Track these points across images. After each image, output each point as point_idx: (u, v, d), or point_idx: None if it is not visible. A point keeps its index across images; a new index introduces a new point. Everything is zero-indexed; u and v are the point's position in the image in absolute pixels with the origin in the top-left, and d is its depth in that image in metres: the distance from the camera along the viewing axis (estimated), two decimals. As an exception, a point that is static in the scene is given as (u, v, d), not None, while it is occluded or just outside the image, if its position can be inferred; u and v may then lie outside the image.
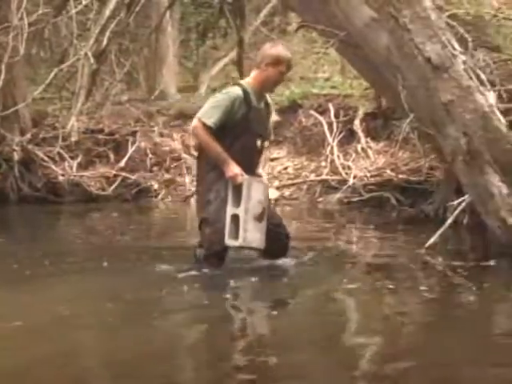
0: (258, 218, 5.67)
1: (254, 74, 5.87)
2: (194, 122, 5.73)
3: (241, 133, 5.73)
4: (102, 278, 5.82)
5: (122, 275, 5.88)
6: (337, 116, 12.39)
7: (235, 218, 5.62)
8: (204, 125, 5.64)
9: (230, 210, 5.64)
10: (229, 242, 5.64)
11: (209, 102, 5.78)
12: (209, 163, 5.78)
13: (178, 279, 5.54)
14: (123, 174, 12.54)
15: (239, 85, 5.87)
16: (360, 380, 3.51)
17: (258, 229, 5.67)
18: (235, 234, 5.61)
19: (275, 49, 5.85)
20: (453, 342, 4.02)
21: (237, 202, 5.63)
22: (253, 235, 5.65)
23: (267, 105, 6.01)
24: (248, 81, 5.89)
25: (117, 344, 4.12)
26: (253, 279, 5.63)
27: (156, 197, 12.38)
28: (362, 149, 11.77)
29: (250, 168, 5.81)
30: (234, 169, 5.64)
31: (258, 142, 5.87)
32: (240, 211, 5.60)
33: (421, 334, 4.30)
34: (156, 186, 12.49)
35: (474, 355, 3.83)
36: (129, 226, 9.72)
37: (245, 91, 5.74)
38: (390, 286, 5.39)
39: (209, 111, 5.70)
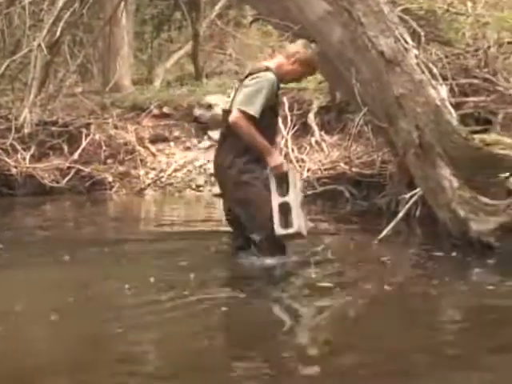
0: (301, 206, 5.68)
1: (279, 61, 5.88)
2: (234, 114, 5.55)
3: (272, 116, 5.73)
4: (63, 271, 5.72)
5: (83, 268, 5.79)
6: (291, 109, 12.42)
7: (283, 206, 5.57)
8: (244, 113, 5.51)
9: (276, 199, 5.58)
10: (281, 231, 5.55)
11: (248, 90, 5.61)
12: (233, 150, 5.68)
13: (142, 273, 5.48)
14: (77, 166, 12.45)
15: (270, 70, 5.73)
16: (311, 374, 3.52)
17: (302, 216, 5.68)
18: (286, 223, 5.55)
19: (312, 52, 5.92)
20: (406, 334, 4.06)
21: (281, 190, 5.61)
22: (302, 222, 5.63)
23: None
24: (273, 66, 5.82)
25: (66, 343, 3.97)
26: (218, 273, 5.60)
27: (110, 189, 12.31)
28: (316, 142, 11.82)
29: None
30: (278, 158, 5.67)
31: (278, 126, 5.99)
32: (290, 199, 5.58)
33: (374, 327, 4.31)
34: (110, 179, 12.43)
35: (427, 346, 3.85)
36: (85, 218, 9.66)
37: (275, 76, 5.71)
38: (343, 279, 5.44)
39: (249, 99, 5.56)
